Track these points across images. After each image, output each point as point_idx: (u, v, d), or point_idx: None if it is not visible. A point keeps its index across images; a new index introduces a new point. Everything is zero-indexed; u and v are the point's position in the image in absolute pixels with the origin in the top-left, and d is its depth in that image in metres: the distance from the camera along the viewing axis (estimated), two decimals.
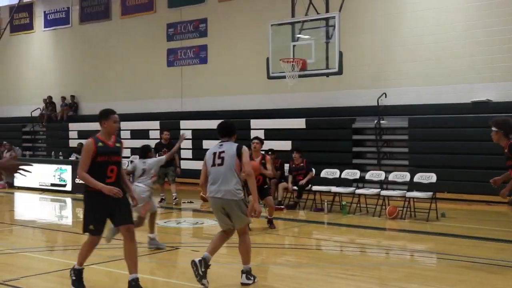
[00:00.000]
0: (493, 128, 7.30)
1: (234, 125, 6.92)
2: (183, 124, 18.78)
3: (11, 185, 18.32)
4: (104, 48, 22.57)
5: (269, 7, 17.97)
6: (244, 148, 6.62)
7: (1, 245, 9.52)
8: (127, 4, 21.85)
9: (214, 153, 6.60)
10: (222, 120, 7.00)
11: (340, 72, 13.91)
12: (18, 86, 25.42)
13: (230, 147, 6.60)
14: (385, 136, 15.96)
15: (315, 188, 13.45)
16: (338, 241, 10.20)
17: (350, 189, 13.05)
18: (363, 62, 16.46)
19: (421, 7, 15.79)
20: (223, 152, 6.55)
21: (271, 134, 16.92)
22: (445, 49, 15.39)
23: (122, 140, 6.56)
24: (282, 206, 13.29)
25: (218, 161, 6.53)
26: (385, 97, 15.79)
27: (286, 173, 14.14)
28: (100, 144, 6.16)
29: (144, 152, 8.94)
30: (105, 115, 6.23)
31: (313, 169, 13.66)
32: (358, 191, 12.79)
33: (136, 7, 21.61)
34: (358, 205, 12.69)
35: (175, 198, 14.40)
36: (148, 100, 21.06)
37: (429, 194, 11.89)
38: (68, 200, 16.01)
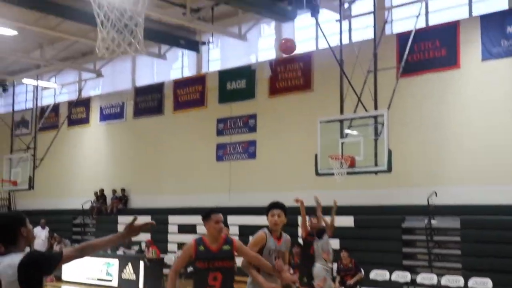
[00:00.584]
0: None
1: None
2: (231, 219, 18.51)
3: (58, 278, 18.33)
4: (156, 141, 23.02)
5: (318, 103, 18.07)
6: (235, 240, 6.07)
7: None
8: (180, 100, 22.41)
9: None
10: None
11: (389, 170, 13.66)
12: (71, 179, 25.99)
13: None
14: (436, 237, 15.33)
15: None
16: None
17: None
18: (412, 160, 16.15)
19: (473, 105, 15.56)
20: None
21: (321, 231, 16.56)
22: (499, 148, 14.97)
23: (233, 238, 6.01)
24: None
25: None
26: (436, 196, 15.32)
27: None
28: (201, 248, 5.69)
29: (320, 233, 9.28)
30: (205, 215, 5.76)
31: (362, 270, 13.16)
32: None
33: (188, 102, 22.13)
34: None
35: None
36: (197, 194, 21.10)
37: None
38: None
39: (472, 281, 11.70)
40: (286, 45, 13.28)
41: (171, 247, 19.98)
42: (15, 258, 3.66)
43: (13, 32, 19.65)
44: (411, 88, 16.33)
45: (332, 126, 14.82)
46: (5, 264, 3.65)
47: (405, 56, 15.02)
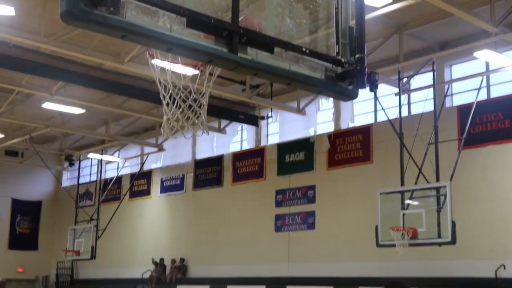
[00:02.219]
0: None
1: None
2: None
3: None
4: (215, 212, 23.44)
5: (378, 175, 18.26)
6: None
7: None
8: (239, 172, 22.95)
9: None
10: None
11: (453, 241, 13.57)
12: (131, 249, 26.54)
13: None
14: None
15: None
16: None
17: None
18: (479, 232, 16.00)
19: None
20: None
21: None
22: None
23: None
24: None
25: None
26: (504, 269, 15.08)
27: None
28: None
29: None
30: None
31: None
32: None
33: (247, 174, 22.63)
34: None
35: None
36: (255, 265, 21.23)
37: None
38: None
39: None
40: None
41: None
42: None
43: (81, 111, 20.73)
44: (474, 159, 16.40)
45: (392, 197, 14.90)
46: None
47: (466, 128, 15.16)
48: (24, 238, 30.25)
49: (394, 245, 14.41)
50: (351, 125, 19.99)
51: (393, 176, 15.82)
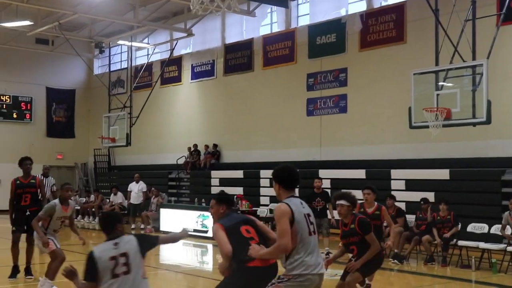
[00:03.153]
0: (342, 202, 7.15)
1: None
2: (322, 173, 18.70)
3: (157, 229, 19.19)
4: (246, 98, 23.33)
5: (411, 55, 17.69)
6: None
7: None
8: (269, 56, 22.52)
9: (306, 215, 5.18)
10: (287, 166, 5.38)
11: (488, 121, 13.24)
12: (165, 135, 26.89)
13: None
14: None
15: (461, 243, 12.73)
16: None
17: (501, 246, 12.20)
18: None
19: None
20: (309, 215, 5.25)
21: (413, 185, 16.45)
22: None
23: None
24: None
25: (311, 227, 5.21)
26: None
27: (411, 224, 13.67)
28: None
29: None
30: None
31: (459, 223, 13.00)
32: (510, 248, 11.92)
33: (278, 58, 22.20)
34: (511, 263, 11.82)
35: (327, 254, 12.94)
36: (288, 149, 21.33)
37: None
38: (210, 246, 16.41)
39: None
40: None
41: (263, 200, 20.37)
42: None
43: None
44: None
45: (426, 78, 14.46)
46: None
47: (506, 3, 14.33)
48: (61, 126, 30.89)
49: (427, 127, 14.18)
50: (384, 3, 19.19)
51: (427, 56, 15.31)
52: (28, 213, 10.08)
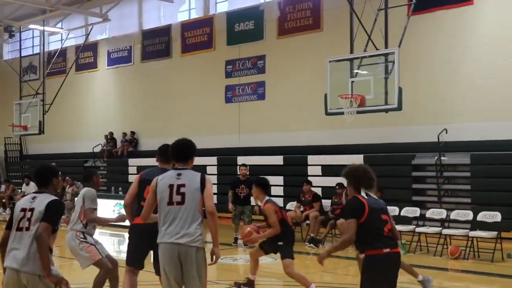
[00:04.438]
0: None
1: (193, 145, 5.63)
2: (240, 159, 18.79)
3: None
4: (164, 85, 23.05)
5: (328, 43, 18.00)
6: (208, 178, 5.42)
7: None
8: (188, 42, 22.32)
9: (171, 186, 5.32)
10: (177, 140, 5.62)
11: (399, 108, 13.69)
12: (81, 123, 26.18)
13: (191, 178, 5.35)
14: (446, 173, 15.54)
15: None
16: (397, 281, 9.86)
17: (410, 227, 12.70)
18: (423, 97, 16.20)
19: (486, 42, 15.48)
20: (183, 185, 5.30)
21: (329, 170, 16.79)
22: (508, 84, 14.98)
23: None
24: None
25: (177, 198, 5.27)
26: (446, 133, 15.44)
27: (327, 209, 14.06)
28: None
29: None
30: None
31: None
32: (418, 229, 12.43)
33: (196, 45, 22.05)
34: (419, 244, 12.32)
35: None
36: (206, 136, 21.25)
37: (493, 233, 11.44)
38: (126, 235, 16.14)
39: (481, 215, 11.90)
40: None
41: None
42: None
43: None
44: (423, 25, 16.23)
45: (341, 65, 14.76)
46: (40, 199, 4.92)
47: None
48: None
49: (342, 113, 14.48)
50: None
51: (343, 44, 15.58)
52: None
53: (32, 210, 4.82)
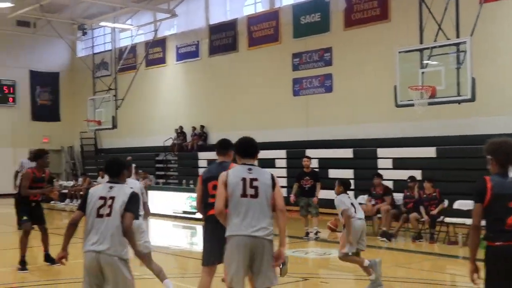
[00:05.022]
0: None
1: (257, 143, 5.72)
2: (309, 153, 18.79)
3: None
4: (232, 79, 23.29)
5: (396, 33, 17.73)
6: (276, 177, 5.57)
7: (139, 270, 9.98)
8: (254, 36, 22.46)
9: (244, 179, 5.42)
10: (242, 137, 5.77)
11: (472, 98, 13.42)
12: (151, 117, 26.82)
13: (262, 173, 5.46)
14: None
15: (448, 220, 12.94)
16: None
17: None
18: (498, 87, 15.75)
19: None
20: (255, 179, 5.40)
21: (399, 163, 16.61)
22: None
23: None
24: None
25: (250, 191, 5.36)
26: None
27: (399, 202, 13.87)
28: None
29: None
30: None
31: (445, 200, 13.19)
32: None
33: (263, 38, 22.15)
34: None
35: (316, 233, 13.35)
36: (274, 130, 21.39)
37: None
38: (199, 228, 16.49)
39: None
40: None
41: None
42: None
43: None
44: (496, 12, 15.78)
45: (411, 56, 14.57)
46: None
47: None
48: (46, 109, 30.69)
49: (413, 105, 14.30)
50: None
51: (411, 34, 15.36)
52: (33, 204, 9.88)
53: (112, 198, 5.23)
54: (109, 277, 5.10)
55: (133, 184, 7.46)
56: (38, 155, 9.84)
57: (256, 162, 5.61)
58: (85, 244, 5.20)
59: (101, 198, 5.26)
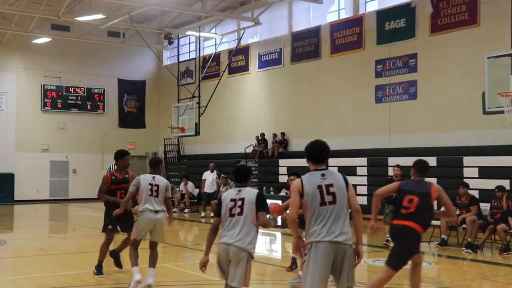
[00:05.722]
0: None
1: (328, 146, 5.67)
2: (391, 161, 18.42)
3: None
4: (313, 85, 23.19)
5: (485, 38, 17.11)
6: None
7: (217, 275, 10.04)
8: (337, 43, 22.28)
9: (319, 186, 5.42)
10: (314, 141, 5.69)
11: None
12: (233, 124, 27.11)
13: (336, 177, 5.48)
14: None
15: None
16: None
17: None
18: None
19: None
20: (331, 185, 5.41)
21: (486, 172, 15.95)
22: None
23: None
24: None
25: (328, 198, 5.38)
26: None
27: (485, 213, 13.32)
28: None
29: None
30: None
31: None
32: None
33: (345, 45, 21.94)
34: None
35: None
36: (356, 137, 21.09)
37: None
38: (278, 235, 16.42)
39: None
40: None
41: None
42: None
43: None
44: None
45: (501, 61, 14.06)
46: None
47: None
48: (132, 117, 31.69)
49: (502, 112, 13.76)
50: None
51: (502, 39, 14.85)
52: (125, 212, 9.17)
53: (242, 199, 5.89)
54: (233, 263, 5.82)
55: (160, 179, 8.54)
56: (118, 156, 9.68)
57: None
58: (221, 238, 5.91)
59: (232, 200, 5.95)
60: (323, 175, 5.42)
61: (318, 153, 5.55)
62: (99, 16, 24.09)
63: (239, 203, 5.89)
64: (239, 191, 5.99)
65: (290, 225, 5.55)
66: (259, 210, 5.84)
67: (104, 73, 30.70)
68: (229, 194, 6.03)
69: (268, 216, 5.90)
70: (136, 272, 8.41)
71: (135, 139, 31.19)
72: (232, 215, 5.89)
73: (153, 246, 8.71)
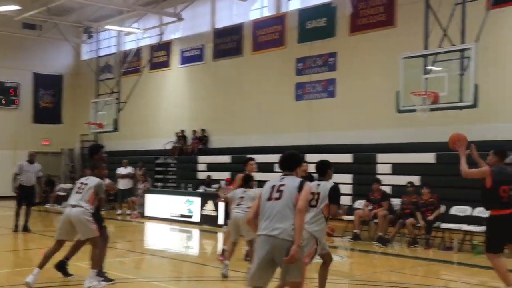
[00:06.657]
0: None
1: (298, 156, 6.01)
2: (310, 157, 18.51)
3: (142, 215, 19.03)
4: (235, 83, 23.14)
5: (401, 39, 17.53)
6: (307, 183, 5.76)
7: (134, 273, 9.77)
8: (259, 40, 22.31)
9: (273, 186, 5.73)
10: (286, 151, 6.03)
11: (474, 105, 13.18)
12: (153, 121, 26.66)
13: (293, 181, 5.70)
14: None
15: (444, 225, 12.66)
16: (468, 283, 9.44)
17: (483, 228, 12.10)
18: (501, 95, 15.51)
19: None
20: (283, 185, 5.66)
21: (399, 169, 16.36)
22: None
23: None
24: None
25: (276, 195, 5.64)
26: None
27: (396, 207, 13.66)
28: None
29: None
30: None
31: (442, 206, 12.94)
32: None
33: (267, 43, 22.00)
34: None
35: None
36: (275, 134, 21.18)
37: None
38: (195, 232, 16.25)
39: None
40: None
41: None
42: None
43: None
44: (503, 19, 15.55)
45: (415, 62, 14.37)
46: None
47: None
48: (47, 112, 30.52)
49: (414, 111, 14.09)
50: None
51: (416, 41, 15.18)
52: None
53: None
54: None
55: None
56: (93, 150, 8.82)
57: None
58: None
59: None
60: (282, 178, 5.72)
61: (282, 161, 5.86)
62: (15, 7, 23.08)
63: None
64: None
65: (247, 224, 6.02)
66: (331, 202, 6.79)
67: (18, 66, 29.27)
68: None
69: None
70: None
71: (50, 135, 30.04)
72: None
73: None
